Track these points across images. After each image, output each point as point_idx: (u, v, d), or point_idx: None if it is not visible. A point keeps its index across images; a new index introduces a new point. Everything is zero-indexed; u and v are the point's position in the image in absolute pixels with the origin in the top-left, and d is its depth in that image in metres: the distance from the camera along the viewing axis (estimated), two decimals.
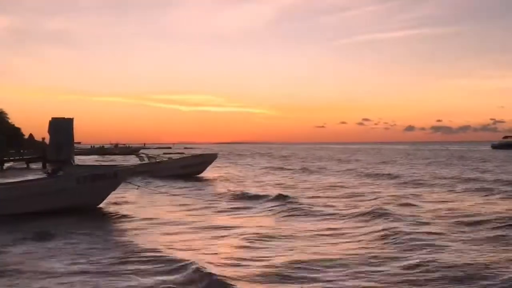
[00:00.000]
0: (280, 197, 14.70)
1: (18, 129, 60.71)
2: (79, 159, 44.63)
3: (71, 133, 41.18)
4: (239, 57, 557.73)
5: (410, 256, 7.28)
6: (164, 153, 62.10)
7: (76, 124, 41.82)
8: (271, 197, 14.92)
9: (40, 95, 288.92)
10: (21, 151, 42.30)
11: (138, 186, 14.99)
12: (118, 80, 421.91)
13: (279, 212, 12.39)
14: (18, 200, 12.17)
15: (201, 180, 24.64)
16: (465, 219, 10.62)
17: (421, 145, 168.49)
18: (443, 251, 7.56)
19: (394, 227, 9.47)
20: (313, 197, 15.83)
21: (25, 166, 37.43)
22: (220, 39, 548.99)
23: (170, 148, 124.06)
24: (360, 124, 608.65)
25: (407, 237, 8.56)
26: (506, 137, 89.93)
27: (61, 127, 40.06)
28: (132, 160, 40.33)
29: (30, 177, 19.75)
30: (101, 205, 13.56)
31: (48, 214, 11.76)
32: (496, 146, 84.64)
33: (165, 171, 25.24)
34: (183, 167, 26.39)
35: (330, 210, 12.51)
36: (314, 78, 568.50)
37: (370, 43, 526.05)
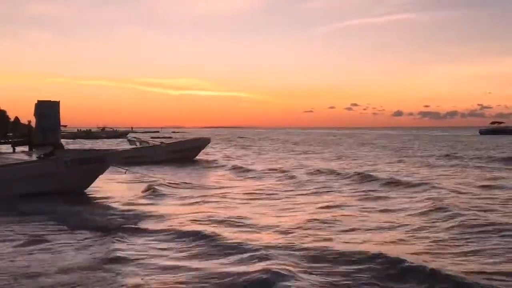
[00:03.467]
0: None
1: (4, 112, 60.00)
2: (65, 143, 44.16)
3: (58, 116, 40.69)
4: (227, 42, 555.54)
5: None
6: (152, 137, 61.71)
7: (62, 107, 41.36)
8: None
9: (25, 79, 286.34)
10: (10, 134, 41.73)
11: (126, 169, 14.73)
12: (105, 63, 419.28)
13: None
14: (5, 183, 11.89)
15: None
16: None
17: (409, 130, 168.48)
18: None
19: None
20: None
21: (11, 149, 36.87)
22: (208, 22, 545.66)
23: (158, 132, 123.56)
24: (349, 109, 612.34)
25: None
26: (493, 122, 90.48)
27: (47, 110, 39.55)
28: (124, 145, 40.01)
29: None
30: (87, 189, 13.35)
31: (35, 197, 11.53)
32: (483, 132, 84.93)
33: (157, 156, 24.92)
34: (175, 152, 26.09)
35: None
36: (303, 62, 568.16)
37: (359, 28, 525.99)
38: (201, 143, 28.84)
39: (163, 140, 42.54)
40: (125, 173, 14.99)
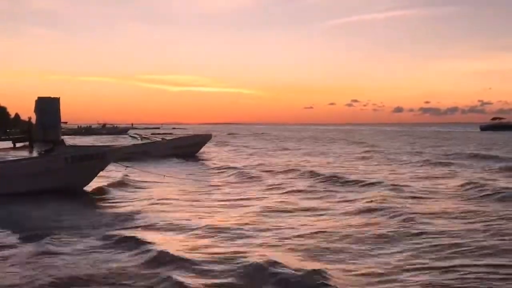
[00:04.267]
0: None
1: (4, 108, 59.94)
2: (65, 139, 44.08)
3: (58, 113, 40.65)
4: (227, 38, 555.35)
5: None
6: (152, 134, 61.55)
7: (62, 104, 41.35)
8: None
9: (26, 75, 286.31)
10: (10, 130, 41.68)
11: (127, 166, 14.67)
12: (105, 60, 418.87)
13: None
14: (4, 180, 11.79)
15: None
16: None
17: (408, 126, 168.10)
18: None
19: None
20: None
21: (11, 146, 36.76)
22: (208, 19, 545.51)
23: (158, 128, 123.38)
24: (349, 105, 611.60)
25: None
26: (494, 118, 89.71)
27: (48, 107, 39.52)
28: (126, 141, 39.90)
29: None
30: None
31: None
32: (484, 128, 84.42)
33: (159, 152, 24.98)
34: (176, 148, 26.19)
35: None
36: (303, 59, 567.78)
37: (359, 24, 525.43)
38: (202, 139, 29.02)
39: (163, 136, 42.49)
40: (125, 169, 14.94)
